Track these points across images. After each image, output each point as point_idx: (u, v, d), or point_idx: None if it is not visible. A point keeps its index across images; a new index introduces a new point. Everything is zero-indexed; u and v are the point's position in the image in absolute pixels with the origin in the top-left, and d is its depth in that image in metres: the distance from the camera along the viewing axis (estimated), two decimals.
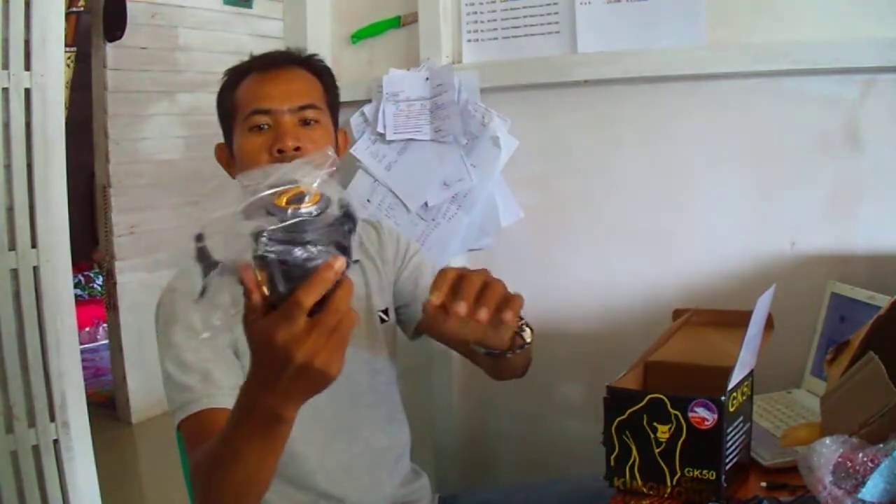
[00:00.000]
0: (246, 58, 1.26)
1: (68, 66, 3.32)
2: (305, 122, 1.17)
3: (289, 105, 1.16)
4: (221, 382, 1.03)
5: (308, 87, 1.21)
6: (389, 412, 1.26)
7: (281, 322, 0.71)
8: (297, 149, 1.13)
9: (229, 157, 1.22)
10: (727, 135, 1.48)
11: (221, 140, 1.25)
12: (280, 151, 1.13)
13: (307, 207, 0.72)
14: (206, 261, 0.73)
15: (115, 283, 3.44)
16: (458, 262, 1.67)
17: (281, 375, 0.74)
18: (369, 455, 1.21)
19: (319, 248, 0.72)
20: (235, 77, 1.22)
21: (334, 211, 0.74)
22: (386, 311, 1.28)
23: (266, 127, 1.15)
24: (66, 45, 3.27)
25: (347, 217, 0.75)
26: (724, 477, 0.96)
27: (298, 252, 0.71)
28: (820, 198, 1.44)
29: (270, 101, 1.16)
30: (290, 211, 0.71)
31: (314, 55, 1.27)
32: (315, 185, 0.74)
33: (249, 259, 0.71)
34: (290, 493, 1.16)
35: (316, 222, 0.72)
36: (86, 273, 4.65)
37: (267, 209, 0.71)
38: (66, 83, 3.32)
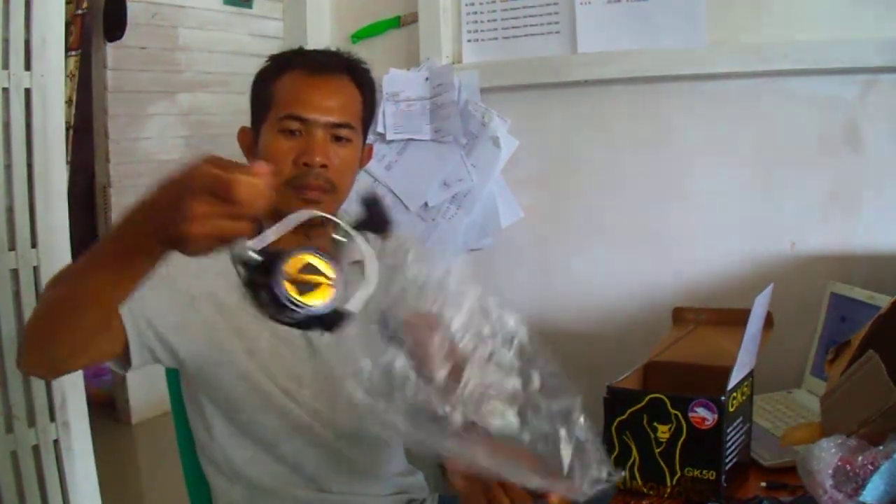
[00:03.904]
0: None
1: (76, 68, 3.32)
2: (337, 139, 1.15)
3: (326, 119, 1.13)
4: (133, 297, 1.02)
5: (349, 102, 1.17)
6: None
7: (214, 167, 0.69)
8: (323, 165, 1.11)
9: (252, 145, 1.19)
10: (727, 135, 1.48)
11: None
12: (306, 164, 1.11)
13: (316, 302, 0.69)
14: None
15: None
16: (459, 262, 1.67)
17: (163, 202, 0.73)
18: (358, 450, 1.21)
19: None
20: (278, 66, 1.18)
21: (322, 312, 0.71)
22: None
23: (297, 133, 1.13)
24: (73, 48, 3.27)
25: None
26: (724, 477, 0.96)
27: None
28: (820, 198, 1.44)
29: (309, 111, 1.13)
30: (287, 295, 0.69)
31: (362, 63, 1.22)
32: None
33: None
34: (288, 475, 1.18)
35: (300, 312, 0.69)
36: None
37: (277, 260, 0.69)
38: (73, 86, 3.32)
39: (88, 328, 0.90)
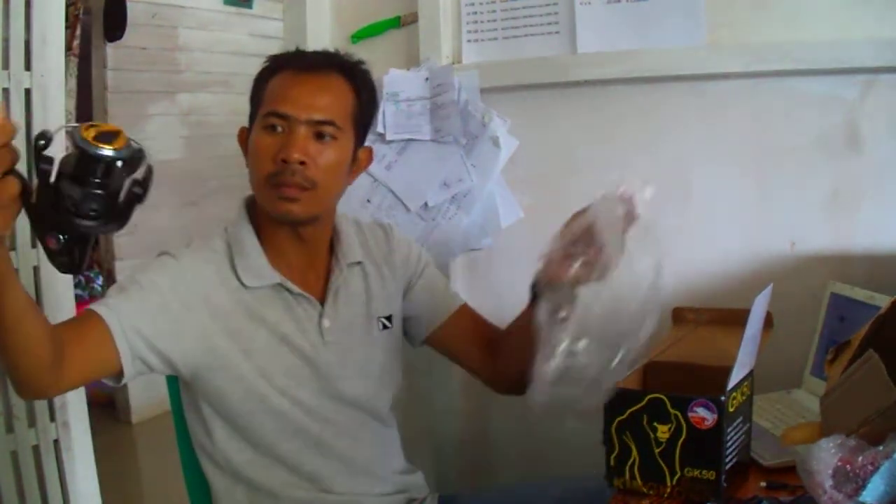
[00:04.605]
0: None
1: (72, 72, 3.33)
2: (319, 136, 1.13)
3: (306, 116, 1.12)
4: (124, 309, 1.05)
5: (337, 100, 1.16)
6: (376, 413, 1.27)
7: None
8: (301, 162, 1.11)
9: (247, 143, 1.20)
10: (727, 135, 1.48)
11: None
12: (284, 161, 1.10)
13: (108, 149, 0.73)
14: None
15: (115, 283, 3.44)
16: (458, 262, 1.67)
17: None
18: (356, 449, 1.22)
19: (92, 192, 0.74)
20: (274, 66, 1.18)
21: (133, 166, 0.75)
22: (389, 318, 1.28)
23: (279, 129, 1.12)
24: (74, 53, 3.27)
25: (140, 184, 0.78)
26: (723, 477, 0.96)
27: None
28: (820, 198, 1.44)
29: (290, 107, 1.12)
30: (91, 147, 0.72)
31: (360, 63, 1.21)
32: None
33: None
34: (287, 476, 1.18)
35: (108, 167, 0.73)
36: (86, 273, 4.65)
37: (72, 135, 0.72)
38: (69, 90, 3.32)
39: (19, 346, 0.89)
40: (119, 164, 0.74)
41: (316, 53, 1.21)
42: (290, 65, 1.17)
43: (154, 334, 1.07)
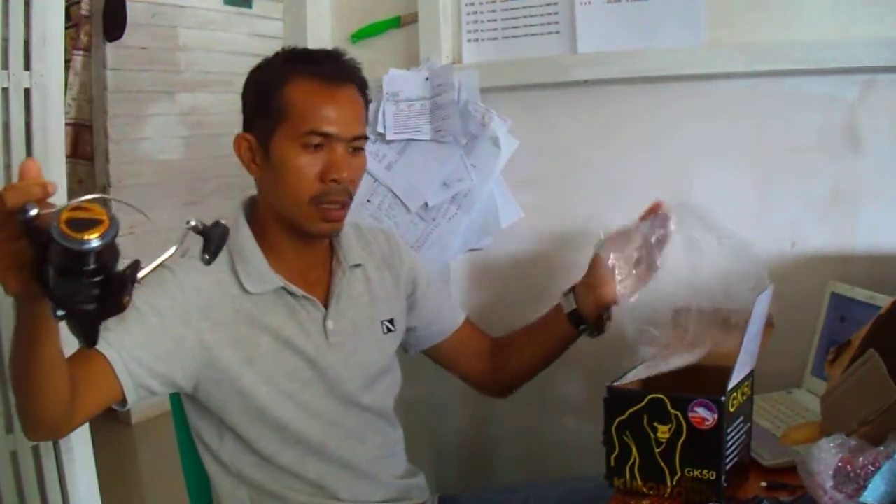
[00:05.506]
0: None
1: (83, 68, 3.34)
2: (355, 150, 1.16)
3: (349, 135, 1.13)
4: (123, 340, 1.04)
5: (361, 112, 1.18)
6: (382, 414, 1.27)
7: None
8: (351, 180, 1.14)
9: (254, 154, 1.16)
10: (727, 135, 1.48)
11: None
12: (334, 181, 1.12)
13: (91, 237, 0.65)
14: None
15: None
16: (459, 262, 1.67)
17: None
18: (361, 452, 1.21)
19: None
20: (288, 69, 1.15)
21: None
22: (392, 322, 1.28)
23: (319, 148, 1.12)
24: (81, 49, 3.27)
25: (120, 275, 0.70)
26: (724, 477, 0.96)
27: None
28: (820, 198, 1.43)
29: (333, 126, 1.12)
30: (75, 242, 0.65)
31: (360, 69, 1.21)
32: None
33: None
34: (290, 481, 1.18)
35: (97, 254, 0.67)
36: None
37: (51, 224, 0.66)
38: (84, 85, 3.32)
39: (44, 395, 0.92)
40: (109, 247, 0.67)
41: (327, 59, 1.18)
42: (305, 74, 1.14)
43: (154, 359, 1.07)
